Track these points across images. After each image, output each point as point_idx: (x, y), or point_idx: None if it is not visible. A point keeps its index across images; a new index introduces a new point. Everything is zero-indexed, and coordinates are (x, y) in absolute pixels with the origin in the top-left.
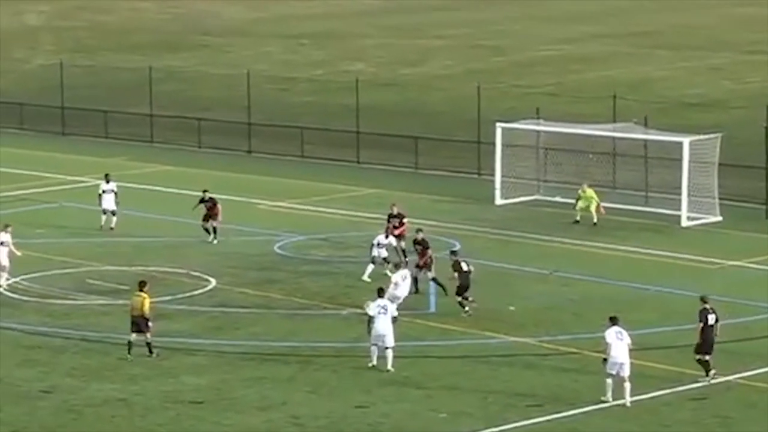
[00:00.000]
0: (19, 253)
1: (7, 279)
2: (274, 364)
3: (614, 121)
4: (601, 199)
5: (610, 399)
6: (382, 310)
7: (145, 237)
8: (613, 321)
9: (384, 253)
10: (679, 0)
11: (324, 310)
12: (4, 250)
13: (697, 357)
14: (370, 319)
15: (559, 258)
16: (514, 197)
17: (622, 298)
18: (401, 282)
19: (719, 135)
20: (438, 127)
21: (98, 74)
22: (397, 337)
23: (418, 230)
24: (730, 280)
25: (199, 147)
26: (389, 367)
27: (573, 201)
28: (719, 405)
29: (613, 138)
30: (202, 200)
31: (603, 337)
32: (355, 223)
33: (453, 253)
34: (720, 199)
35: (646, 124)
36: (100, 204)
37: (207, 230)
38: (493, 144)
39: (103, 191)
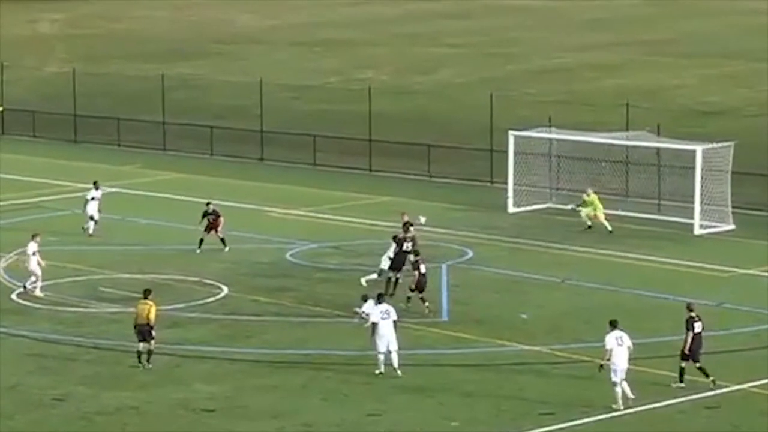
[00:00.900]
0: (43, 263)
1: (34, 285)
2: (286, 372)
3: (627, 129)
4: (615, 208)
5: (622, 407)
6: (385, 315)
7: (158, 245)
8: (614, 325)
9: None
10: (693, 8)
11: (336, 318)
12: (34, 258)
13: (683, 364)
14: (374, 325)
15: (572, 266)
16: (526, 205)
17: (635, 307)
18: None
19: (732, 143)
20: (451, 135)
21: (111, 82)
22: (410, 345)
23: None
24: (743, 288)
25: (212, 155)
26: (396, 367)
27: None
28: (733, 413)
29: (626, 146)
30: (206, 213)
31: (604, 343)
32: (367, 231)
33: (416, 253)
34: (733, 207)
35: (658, 132)
36: (84, 210)
37: (203, 240)
38: (506, 152)
39: (92, 198)
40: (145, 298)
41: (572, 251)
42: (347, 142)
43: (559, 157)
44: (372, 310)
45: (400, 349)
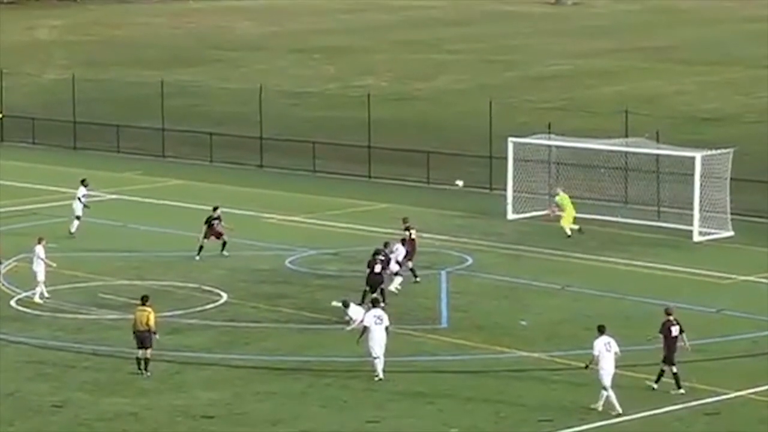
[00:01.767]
0: (54, 264)
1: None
2: (286, 379)
3: (626, 136)
4: (614, 214)
5: (620, 410)
6: (378, 321)
7: (157, 251)
8: (601, 330)
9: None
10: (691, 15)
11: (335, 324)
12: (41, 263)
13: (664, 368)
14: (365, 330)
15: (571, 273)
16: (526, 212)
17: (634, 313)
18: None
19: (731, 150)
20: (450, 141)
21: (110, 89)
22: (410, 352)
23: (386, 244)
24: (742, 295)
25: (211, 161)
26: (380, 375)
27: (585, 216)
28: (732, 420)
29: (625, 153)
30: (211, 218)
31: (592, 347)
32: (366, 237)
33: (376, 253)
34: (732, 214)
35: (658, 139)
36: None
37: (202, 247)
38: (505, 159)
39: (82, 195)
40: (143, 304)
41: (572, 258)
42: (346, 148)
43: (558, 163)
44: (366, 315)
45: (399, 355)
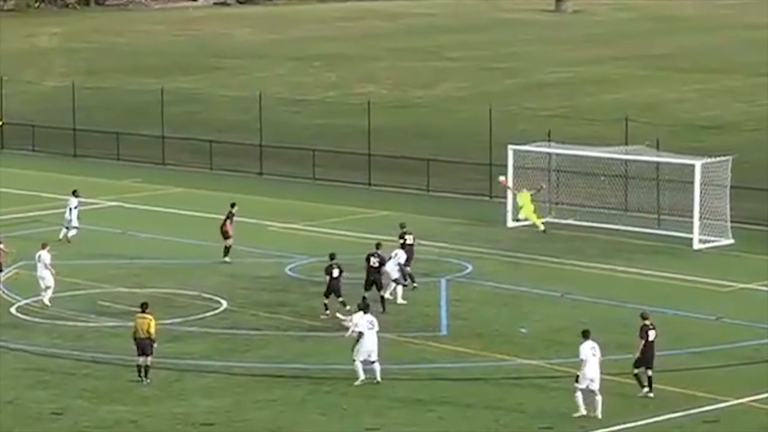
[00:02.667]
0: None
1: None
2: (286, 387)
3: (626, 144)
4: (614, 222)
5: (584, 411)
6: (370, 326)
7: (157, 259)
8: (586, 335)
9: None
10: (691, 22)
11: (335, 332)
12: (47, 269)
13: (636, 371)
14: (360, 335)
15: (571, 280)
16: (525, 220)
17: (634, 321)
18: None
19: (731, 157)
20: (450, 149)
21: (110, 96)
22: (409, 360)
23: (378, 245)
24: (742, 302)
25: (211, 169)
26: (378, 378)
27: (585, 224)
28: (732, 428)
29: (625, 160)
30: (230, 215)
31: (584, 359)
32: (366, 245)
33: (332, 257)
34: (732, 221)
35: (658, 147)
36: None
37: (228, 248)
38: (505, 166)
39: (75, 207)
40: (143, 311)
41: (571, 266)
42: (346, 156)
43: (558, 171)
44: (359, 320)
45: (399, 363)
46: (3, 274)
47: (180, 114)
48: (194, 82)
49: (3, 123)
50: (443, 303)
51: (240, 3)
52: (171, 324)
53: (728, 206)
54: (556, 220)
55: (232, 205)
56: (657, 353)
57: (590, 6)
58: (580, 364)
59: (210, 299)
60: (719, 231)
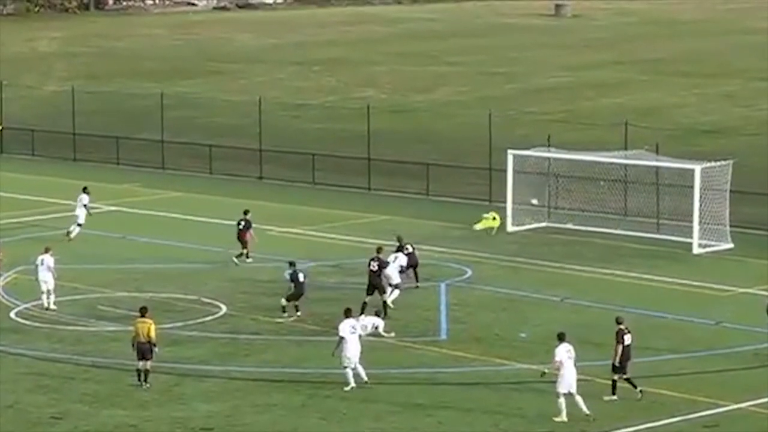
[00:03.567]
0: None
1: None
2: (285, 391)
3: (626, 148)
4: (613, 226)
5: (565, 418)
6: (353, 330)
7: (156, 263)
8: (561, 338)
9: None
10: (691, 27)
11: (335, 336)
12: (50, 272)
13: (615, 377)
14: (341, 340)
15: (570, 285)
16: (525, 224)
17: (633, 326)
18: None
19: (730, 162)
20: (449, 153)
21: (110, 100)
22: (409, 364)
23: (379, 249)
24: (742, 307)
25: (211, 173)
26: (365, 378)
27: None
28: None
29: (625, 165)
30: (240, 221)
31: (560, 360)
32: (366, 250)
33: (291, 264)
34: (731, 226)
35: (657, 151)
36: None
37: (242, 254)
38: (505, 171)
39: (84, 204)
40: (143, 316)
41: (571, 270)
42: (346, 160)
43: (557, 176)
44: (341, 325)
45: (399, 367)
46: (1, 279)
47: (180, 118)
48: (194, 87)
49: (3, 127)
50: (443, 307)
51: (240, 8)
52: (171, 328)
53: (728, 211)
54: (555, 225)
55: (246, 212)
56: (657, 358)
57: (590, 11)
58: (554, 366)
59: (209, 304)
60: (719, 235)
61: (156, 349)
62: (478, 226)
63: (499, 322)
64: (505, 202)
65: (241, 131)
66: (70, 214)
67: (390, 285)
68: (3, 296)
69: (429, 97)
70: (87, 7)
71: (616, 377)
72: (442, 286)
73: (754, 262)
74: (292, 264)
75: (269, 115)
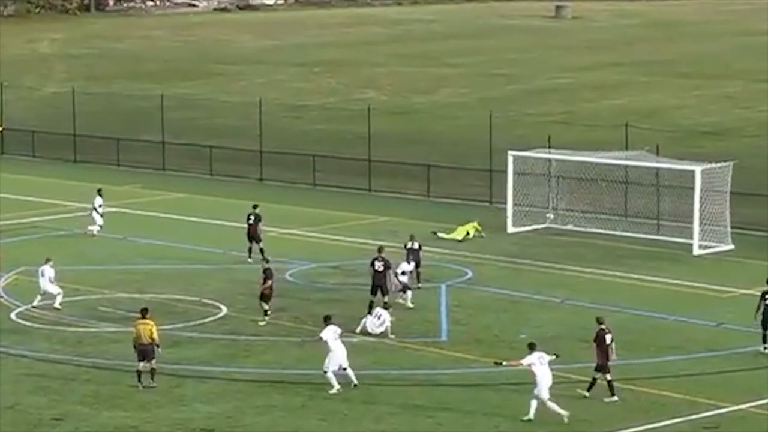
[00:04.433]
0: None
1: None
2: (286, 392)
3: (626, 150)
4: (614, 228)
5: (532, 416)
6: (335, 335)
7: (157, 264)
8: (532, 347)
9: (405, 279)
10: (692, 28)
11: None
12: (52, 283)
13: (597, 376)
14: (327, 345)
15: (571, 286)
16: (525, 225)
17: (634, 327)
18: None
19: (731, 163)
20: (450, 155)
21: (110, 102)
22: (409, 365)
23: (380, 248)
24: (743, 308)
25: (211, 174)
26: (355, 382)
27: (585, 229)
28: None
29: (625, 166)
30: (249, 216)
31: (528, 364)
32: (366, 251)
33: (265, 260)
34: (732, 227)
35: (658, 153)
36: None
37: (251, 249)
38: (505, 172)
39: (99, 205)
40: (144, 317)
41: (571, 271)
42: (347, 161)
43: (558, 177)
44: (324, 331)
45: (399, 369)
46: (2, 280)
47: (180, 120)
48: (194, 88)
49: (3, 128)
50: (443, 309)
51: (240, 9)
52: (171, 330)
53: (728, 212)
54: (555, 226)
55: (255, 207)
56: (658, 359)
57: (590, 12)
58: (514, 364)
59: (210, 305)
60: (719, 237)
61: (159, 350)
62: (459, 236)
63: (500, 324)
64: (505, 203)
65: (241, 132)
66: (70, 215)
67: (400, 290)
68: (3, 297)
69: (429, 98)
70: (87, 9)
71: (597, 376)
72: (443, 287)
73: (754, 263)
74: (265, 260)
75: (270, 117)
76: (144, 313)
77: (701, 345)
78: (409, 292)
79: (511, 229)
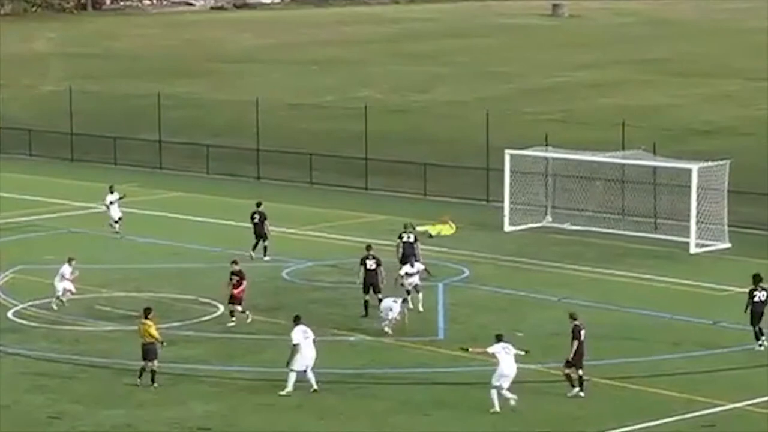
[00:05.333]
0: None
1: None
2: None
3: (623, 148)
4: (611, 226)
5: (498, 409)
6: (306, 335)
7: (154, 263)
8: (499, 338)
9: (416, 280)
10: (689, 27)
11: (332, 336)
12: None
13: (567, 371)
14: (296, 347)
15: (568, 285)
16: (522, 224)
17: (631, 325)
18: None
19: (728, 162)
20: (447, 153)
21: (107, 100)
22: (407, 364)
23: (368, 247)
24: (739, 307)
25: (208, 173)
26: (315, 386)
27: (582, 228)
28: None
29: (622, 165)
30: (253, 214)
31: (493, 352)
32: (363, 249)
33: (234, 263)
34: (729, 226)
35: (654, 151)
36: (109, 212)
37: (256, 244)
38: (502, 171)
39: (110, 202)
40: (146, 317)
41: (568, 270)
42: (343, 160)
43: (555, 175)
44: (294, 332)
45: (397, 367)
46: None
47: (177, 118)
48: (191, 87)
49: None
50: (441, 307)
51: (237, 7)
52: (168, 328)
53: (725, 210)
54: (552, 225)
55: (258, 204)
56: (655, 357)
57: (587, 11)
58: (477, 351)
59: (207, 303)
60: (716, 235)
61: (161, 346)
62: (432, 231)
63: (497, 322)
64: (502, 201)
65: (238, 131)
66: (67, 214)
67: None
68: (1, 296)
69: (426, 97)
70: (84, 7)
71: (568, 371)
72: (440, 286)
73: (751, 262)
74: (234, 262)
75: (267, 115)
76: (147, 312)
77: (698, 343)
78: (420, 294)
79: (508, 228)
